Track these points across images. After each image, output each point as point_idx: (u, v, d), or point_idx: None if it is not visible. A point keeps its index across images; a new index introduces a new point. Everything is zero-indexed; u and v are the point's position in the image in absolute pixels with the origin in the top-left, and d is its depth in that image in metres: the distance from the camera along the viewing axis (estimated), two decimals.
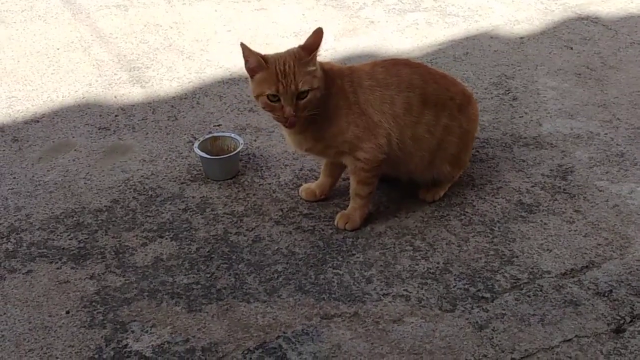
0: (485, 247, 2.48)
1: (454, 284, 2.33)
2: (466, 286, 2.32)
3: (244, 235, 2.58)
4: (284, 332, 2.18)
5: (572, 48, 3.76)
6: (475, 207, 2.67)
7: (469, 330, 2.17)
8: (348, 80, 2.49)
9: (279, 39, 3.98)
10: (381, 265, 2.42)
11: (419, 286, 2.33)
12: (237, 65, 3.71)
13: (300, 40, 3.91)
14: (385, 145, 2.49)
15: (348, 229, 2.58)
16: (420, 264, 2.42)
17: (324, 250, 2.50)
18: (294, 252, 2.49)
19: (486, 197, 2.71)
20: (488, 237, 2.52)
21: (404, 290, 2.32)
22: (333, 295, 2.31)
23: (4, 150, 3.08)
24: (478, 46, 3.83)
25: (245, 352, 2.12)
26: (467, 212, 2.64)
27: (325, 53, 3.79)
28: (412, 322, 2.20)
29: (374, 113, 2.47)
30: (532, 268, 2.38)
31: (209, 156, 2.85)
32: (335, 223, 2.59)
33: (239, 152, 2.87)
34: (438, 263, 2.42)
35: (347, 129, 2.46)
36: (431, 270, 2.39)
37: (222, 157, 2.86)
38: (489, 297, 2.28)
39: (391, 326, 2.19)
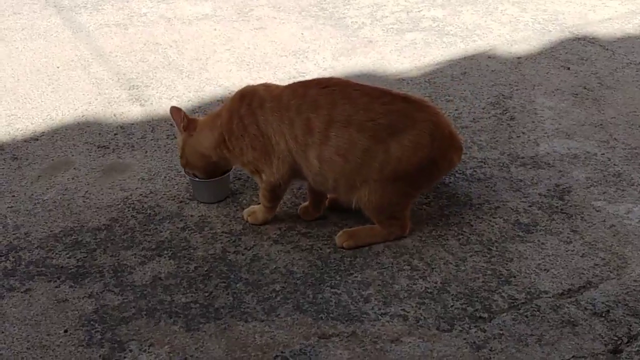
0: (483, 266, 2.49)
1: (452, 304, 2.34)
2: (464, 306, 2.33)
3: (242, 254, 2.58)
4: (282, 352, 2.19)
5: (569, 68, 3.78)
6: (473, 226, 2.67)
7: (467, 351, 2.17)
8: (247, 103, 2.62)
9: (277, 58, 4.00)
10: (379, 285, 2.42)
11: (416, 306, 2.33)
12: (235, 84, 3.73)
13: (299, 59, 3.96)
14: (280, 172, 2.58)
15: (250, 222, 2.73)
16: (418, 284, 2.42)
17: (322, 269, 2.50)
18: (292, 271, 2.50)
19: (484, 216, 2.72)
20: (486, 256, 2.53)
21: (401, 309, 2.32)
22: (331, 315, 2.31)
23: (3, 168, 3.09)
24: (476, 66, 3.85)
25: None
26: (464, 231, 2.65)
27: (324, 72, 3.81)
28: (410, 342, 2.20)
29: (273, 134, 2.55)
30: (529, 288, 2.39)
31: (197, 179, 2.83)
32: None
33: (228, 174, 2.86)
34: (436, 282, 2.43)
35: (247, 152, 2.62)
36: (429, 290, 2.40)
37: (210, 180, 2.82)
38: (486, 317, 2.28)
39: (389, 346, 2.19)
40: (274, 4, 4.70)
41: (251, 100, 2.61)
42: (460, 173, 2.95)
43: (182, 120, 2.73)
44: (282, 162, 2.56)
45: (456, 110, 3.43)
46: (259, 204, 2.74)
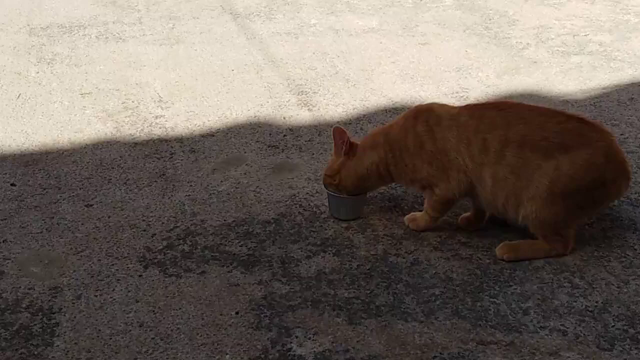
0: None
1: (613, 324, 2.33)
2: (625, 327, 2.32)
3: (403, 257, 2.67)
4: (440, 353, 2.25)
5: None
6: (637, 250, 2.65)
7: None
8: (423, 120, 2.69)
9: (441, 73, 4.08)
10: (538, 299, 2.45)
11: (576, 322, 2.35)
12: (399, 95, 3.84)
13: (462, 75, 4.02)
14: (460, 187, 2.65)
15: (411, 228, 2.80)
16: (578, 301, 2.43)
17: (481, 278, 2.55)
18: (451, 278, 2.56)
19: None
20: None
21: (561, 324, 2.34)
22: (489, 323, 2.36)
23: (182, 159, 3.32)
24: None
25: None
26: (628, 254, 2.64)
27: (487, 90, 3.86)
28: (569, 357, 2.22)
29: (450, 150, 2.62)
30: None
31: (339, 195, 2.87)
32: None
33: (366, 194, 2.92)
34: (597, 302, 2.43)
35: (422, 167, 2.69)
36: (589, 309, 2.40)
37: (352, 197, 2.86)
38: None
39: (547, 358, 2.22)
40: (439, 21, 4.78)
41: (428, 118, 2.70)
42: (625, 197, 2.93)
43: (345, 145, 2.79)
44: (465, 175, 2.63)
45: (622, 134, 3.39)
46: (420, 211, 2.82)
